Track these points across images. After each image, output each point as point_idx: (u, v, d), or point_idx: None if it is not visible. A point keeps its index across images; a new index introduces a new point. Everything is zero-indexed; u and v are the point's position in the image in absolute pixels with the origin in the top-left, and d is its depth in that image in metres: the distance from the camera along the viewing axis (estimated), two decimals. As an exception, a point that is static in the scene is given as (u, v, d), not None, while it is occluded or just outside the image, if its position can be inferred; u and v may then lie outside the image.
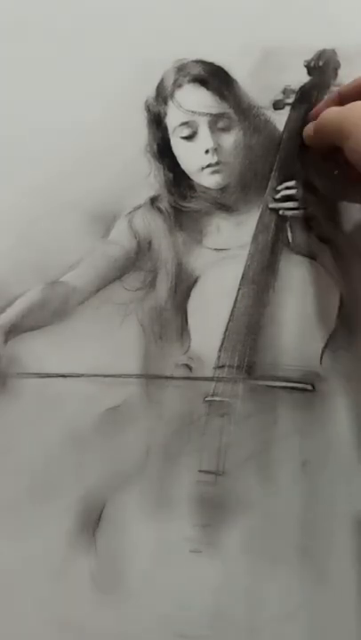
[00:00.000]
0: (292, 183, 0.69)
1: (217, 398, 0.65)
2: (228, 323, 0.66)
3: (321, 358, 0.66)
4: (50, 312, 0.68)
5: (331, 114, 0.62)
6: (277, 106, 0.71)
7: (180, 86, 0.69)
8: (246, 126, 0.70)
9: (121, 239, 0.71)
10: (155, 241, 0.72)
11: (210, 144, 0.69)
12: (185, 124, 0.69)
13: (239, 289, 0.67)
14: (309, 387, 0.65)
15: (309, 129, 0.66)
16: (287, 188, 0.69)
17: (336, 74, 0.71)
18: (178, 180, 0.71)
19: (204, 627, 0.62)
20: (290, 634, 0.62)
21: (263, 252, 0.68)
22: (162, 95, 0.70)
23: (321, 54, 0.70)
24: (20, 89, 0.70)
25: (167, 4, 0.70)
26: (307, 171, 0.70)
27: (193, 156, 0.70)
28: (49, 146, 0.69)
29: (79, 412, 0.66)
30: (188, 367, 0.67)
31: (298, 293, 0.67)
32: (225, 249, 0.70)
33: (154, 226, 0.72)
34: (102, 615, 0.63)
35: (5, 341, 0.66)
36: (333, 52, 0.70)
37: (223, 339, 0.66)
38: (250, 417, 0.64)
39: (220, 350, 0.66)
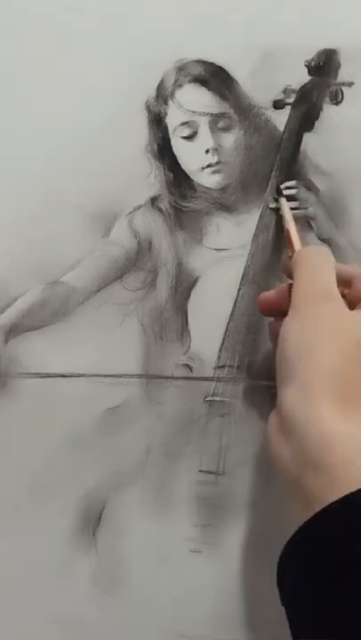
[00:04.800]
0: (292, 183, 0.69)
1: (217, 398, 0.65)
2: (229, 323, 0.66)
3: (321, 358, 0.66)
4: (50, 312, 0.68)
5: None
6: (278, 105, 0.71)
7: (180, 86, 0.69)
8: (247, 126, 0.70)
9: (121, 239, 0.71)
10: (155, 241, 0.72)
11: (210, 144, 0.69)
12: (185, 123, 0.69)
13: (239, 289, 0.67)
14: (309, 387, 0.65)
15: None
16: (287, 187, 0.69)
17: (337, 74, 0.71)
18: (178, 179, 0.71)
19: (204, 627, 0.62)
20: (290, 634, 0.61)
21: (263, 252, 0.68)
22: (162, 95, 0.70)
23: (321, 54, 0.70)
24: (19, 89, 0.70)
25: (167, 3, 0.70)
26: (307, 171, 0.70)
27: (193, 156, 0.70)
28: (49, 146, 0.69)
29: (79, 412, 0.66)
30: (189, 367, 0.67)
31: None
32: (225, 249, 0.70)
33: (154, 226, 0.72)
34: (102, 615, 0.63)
35: (5, 341, 0.66)
36: (334, 51, 0.70)
37: (223, 339, 0.66)
38: (250, 417, 0.64)
39: (220, 350, 0.66)
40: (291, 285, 0.56)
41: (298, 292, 0.54)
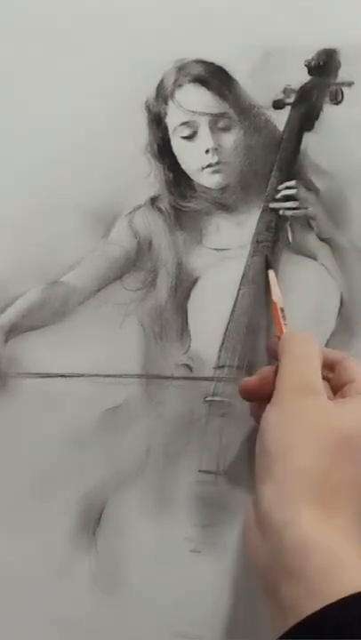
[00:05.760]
0: (292, 183, 0.69)
1: (217, 398, 0.65)
2: (229, 323, 0.66)
3: (321, 358, 0.66)
4: (50, 312, 0.68)
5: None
6: (278, 105, 0.71)
7: (180, 86, 0.69)
8: (247, 126, 0.70)
9: (121, 239, 0.71)
10: (155, 241, 0.72)
11: (210, 144, 0.69)
12: (185, 123, 0.69)
13: (239, 289, 0.67)
14: (309, 387, 0.65)
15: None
16: (287, 187, 0.69)
17: (337, 73, 0.71)
18: (178, 179, 0.71)
19: (204, 627, 0.62)
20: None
21: (263, 252, 0.68)
22: (162, 95, 0.70)
23: (321, 54, 0.70)
24: (19, 89, 0.70)
25: (167, 3, 0.70)
26: (307, 171, 0.70)
27: (193, 156, 0.70)
28: (49, 146, 0.69)
29: (79, 412, 0.66)
30: (189, 367, 0.67)
31: (298, 293, 0.67)
32: (225, 249, 0.70)
33: (154, 226, 0.72)
34: (102, 615, 0.63)
35: (5, 341, 0.66)
36: (334, 51, 0.70)
37: (223, 339, 0.66)
38: (250, 417, 0.64)
39: (220, 350, 0.66)
40: (275, 370, 0.55)
41: (281, 383, 0.53)
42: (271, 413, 0.52)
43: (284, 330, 0.61)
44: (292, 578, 0.44)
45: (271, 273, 0.66)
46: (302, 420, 0.50)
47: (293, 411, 0.51)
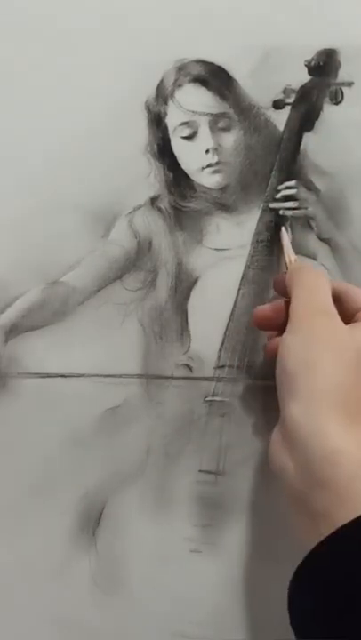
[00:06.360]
0: (292, 183, 0.69)
1: (217, 398, 0.65)
2: (229, 323, 0.66)
3: (321, 358, 0.66)
4: (50, 312, 0.68)
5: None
6: (278, 105, 0.71)
7: (180, 86, 0.69)
8: (247, 126, 0.70)
9: (121, 239, 0.71)
10: (155, 241, 0.72)
11: (210, 144, 0.69)
12: (185, 123, 0.69)
13: (239, 289, 0.67)
14: (309, 387, 0.65)
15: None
16: (287, 187, 0.69)
17: (337, 73, 0.71)
18: (178, 179, 0.71)
19: (204, 626, 0.62)
20: (290, 633, 0.62)
21: (263, 252, 0.68)
22: (162, 95, 0.70)
23: (321, 54, 0.70)
24: (19, 89, 0.70)
25: (167, 3, 0.70)
26: (307, 171, 0.70)
27: (193, 156, 0.70)
28: (49, 146, 0.69)
29: (79, 412, 0.66)
30: (189, 367, 0.67)
31: (298, 293, 0.67)
32: (225, 249, 0.70)
33: (154, 226, 0.72)
34: (102, 615, 0.63)
35: (5, 341, 0.66)
36: (334, 51, 0.70)
37: (223, 339, 0.66)
38: (250, 417, 0.64)
39: (220, 350, 0.66)
40: (287, 302, 0.57)
41: (296, 311, 0.55)
42: (289, 338, 0.53)
43: (292, 260, 0.62)
44: (322, 487, 0.46)
45: (283, 230, 0.67)
46: (322, 340, 0.51)
47: (312, 332, 0.52)
